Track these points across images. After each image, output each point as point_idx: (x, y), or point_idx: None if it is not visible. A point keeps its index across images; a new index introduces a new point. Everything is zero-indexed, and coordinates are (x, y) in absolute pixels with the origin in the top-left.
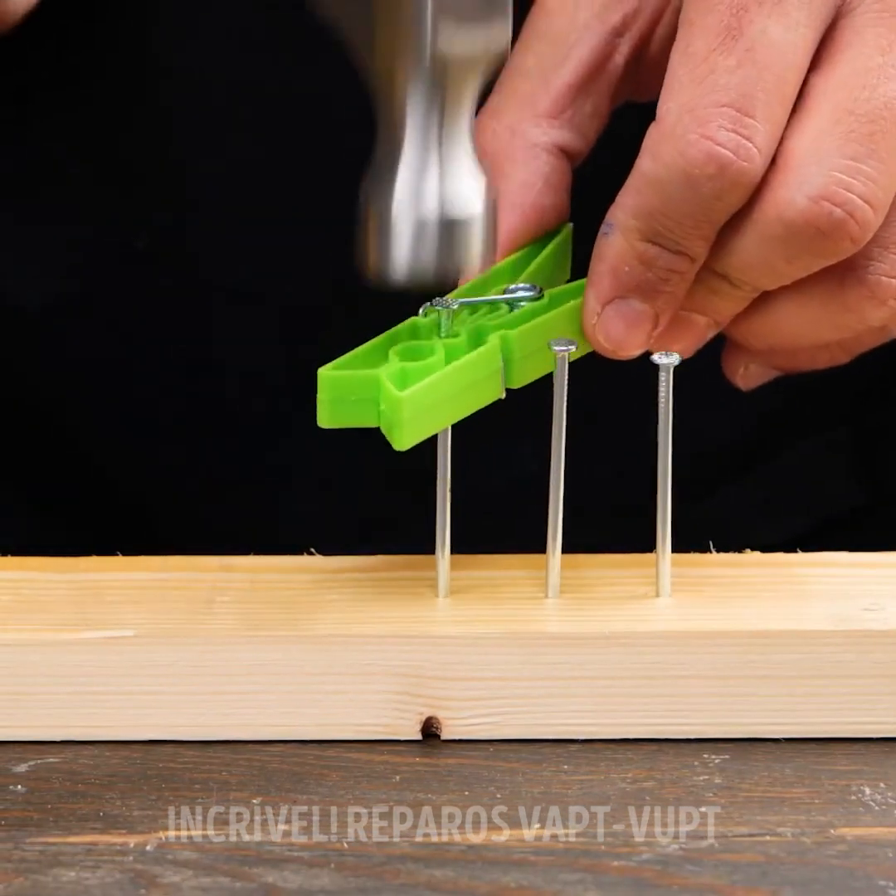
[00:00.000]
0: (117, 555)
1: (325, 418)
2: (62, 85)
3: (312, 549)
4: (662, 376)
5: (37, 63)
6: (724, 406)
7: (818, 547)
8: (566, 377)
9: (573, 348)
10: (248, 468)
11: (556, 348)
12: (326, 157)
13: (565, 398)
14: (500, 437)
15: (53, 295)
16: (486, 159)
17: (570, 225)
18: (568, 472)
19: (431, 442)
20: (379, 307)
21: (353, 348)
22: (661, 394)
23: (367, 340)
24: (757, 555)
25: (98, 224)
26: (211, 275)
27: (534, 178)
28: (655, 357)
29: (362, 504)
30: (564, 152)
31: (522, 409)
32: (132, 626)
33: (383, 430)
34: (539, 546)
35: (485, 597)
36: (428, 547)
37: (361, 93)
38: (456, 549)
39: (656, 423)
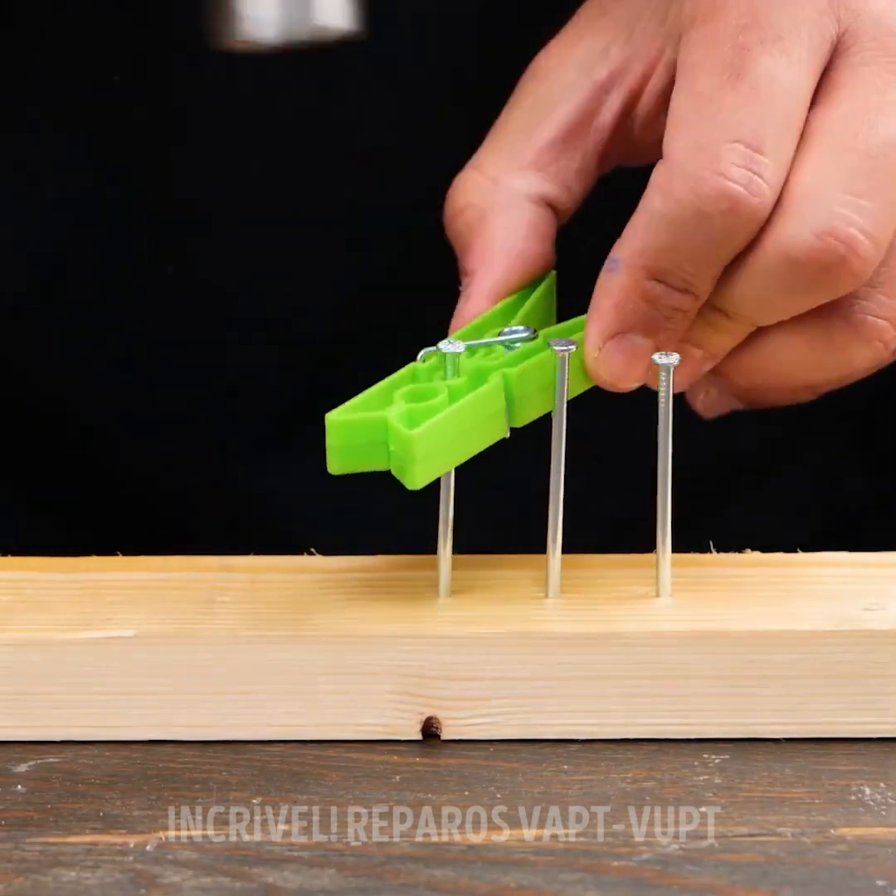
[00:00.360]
0: (117, 555)
1: (336, 464)
2: (61, 89)
3: (312, 549)
4: (662, 376)
5: (36, 70)
6: (732, 414)
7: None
8: (567, 377)
9: (573, 348)
10: (248, 468)
11: (557, 348)
12: (325, 162)
13: (565, 398)
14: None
15: (53, 297)
16: (469, 211)
17: (554, 272)
18: (569, 478)
19: None
20: (379, 307)
21: (353, 349)
22: (661, 394)
23: (367, 344)
24: (757, 555)
25: (96, 228)
26: (210, 276)
27: (518, 225)
28: (655, 357)
29: (362, 504)
30: (548, 204)
31: None
32: (132, 626)
33: (395, 472)
34: (539, 546)
35: (485, 597)
36: (428, 547)
37: (359, 96)
38: (456, 549)
39: (657, 423)
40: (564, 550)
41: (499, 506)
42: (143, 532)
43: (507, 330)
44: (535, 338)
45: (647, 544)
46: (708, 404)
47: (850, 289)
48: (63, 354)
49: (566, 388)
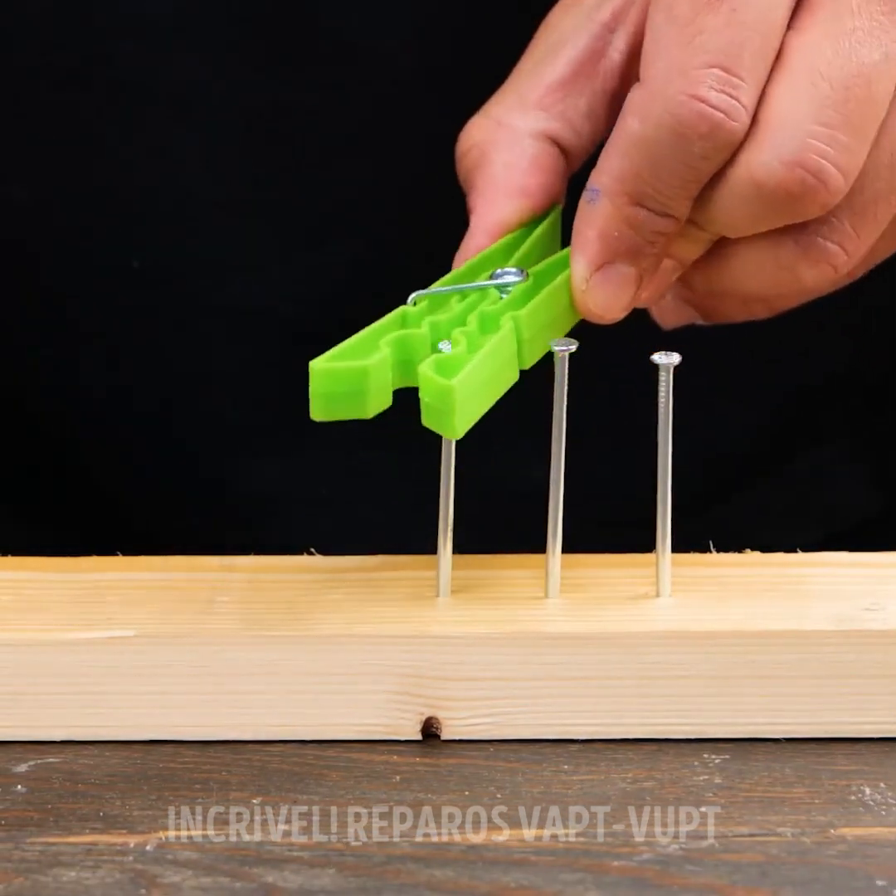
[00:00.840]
0: (117, 555)
1: (319, 411)
2: (58, 94)
3: (312, 549)
4: (662, 376)
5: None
6: (733, 415)
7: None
8: (566, 377)
9: (573, 348)
10: (247, 468)
11: (557, 348)
12: (317, 168)
13: (565, 398)
14: (502, 437)
15: (44, 302)
16: (473, 150)
17: (559, 207)
18: (569, 478)
19: (435, 441)
20: (378, 312)
21: (342, 338)
22: (661, 394)
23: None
24: (757, 555)
25: (62, 224)
26: (205, 281)
27: (519, 160)
28: (655, 357)
29: (362, 504)
30: (554, 141)
31: (525, 407)
32: (132, 626)
33: (429, 424)
34: (539, 546)
35: (485, 597)
36: (428, 547)
37: (328, 81)
38: (456, 549)
39: (657, 423)
40: (564, 550)
41: (499, 506)
42: (142, 532)
43: (498, 272)
44: (526, 280)
45: (647, 544)
46: (663, 311)
47: (815, 215)
48: (58, 362)
49: (566, 388)
